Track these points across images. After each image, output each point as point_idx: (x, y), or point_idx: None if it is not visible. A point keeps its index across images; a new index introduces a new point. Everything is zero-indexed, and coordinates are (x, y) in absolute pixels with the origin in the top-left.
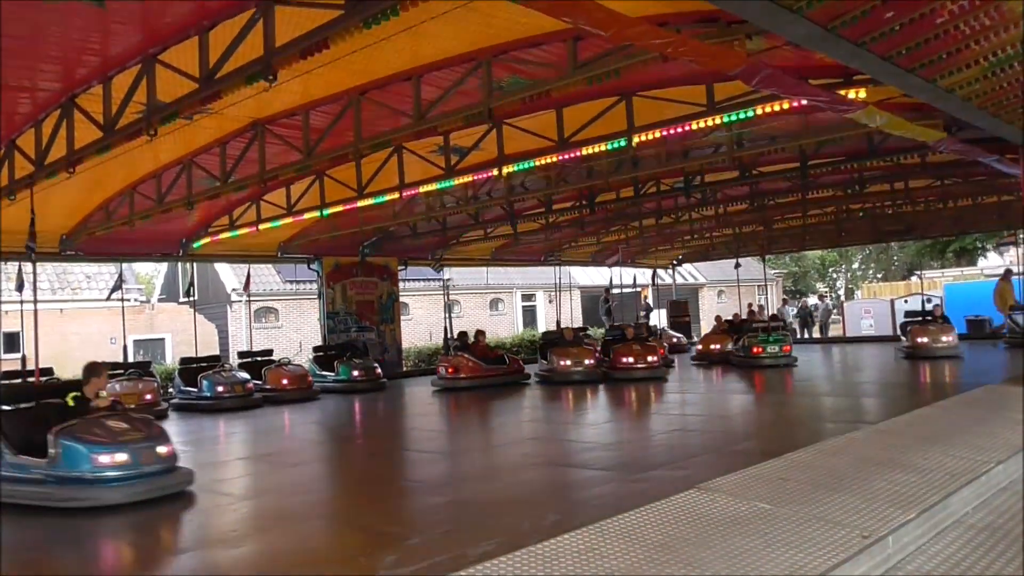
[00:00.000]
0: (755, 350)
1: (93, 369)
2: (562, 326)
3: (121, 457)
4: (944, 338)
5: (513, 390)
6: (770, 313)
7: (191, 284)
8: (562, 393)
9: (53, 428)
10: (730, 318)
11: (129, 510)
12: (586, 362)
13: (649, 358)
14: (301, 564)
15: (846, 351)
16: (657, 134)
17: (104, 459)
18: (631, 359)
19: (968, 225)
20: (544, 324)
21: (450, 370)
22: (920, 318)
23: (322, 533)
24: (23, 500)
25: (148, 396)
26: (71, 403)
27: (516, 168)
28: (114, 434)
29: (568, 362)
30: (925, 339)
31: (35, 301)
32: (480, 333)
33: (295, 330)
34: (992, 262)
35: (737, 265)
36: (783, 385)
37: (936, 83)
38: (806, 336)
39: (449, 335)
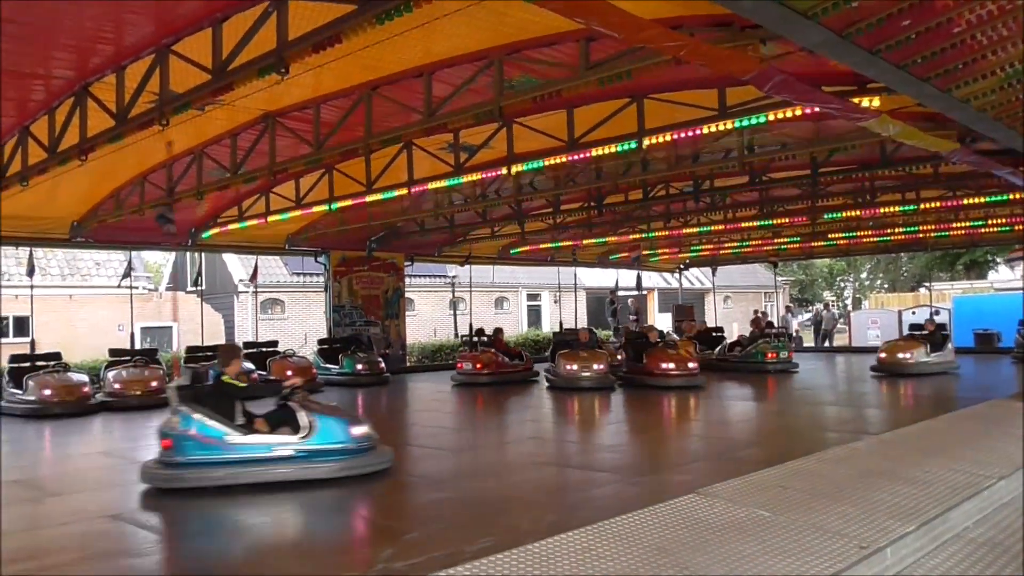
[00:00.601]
0: (769, 355)
1: (233, 351)
2: (577, 327)
3: (366, 430)
4: (903, 355)
5: (523, 388)
6: (766, 321)
7: (199, 274)
8: (573, 395)
9: (297, 404)
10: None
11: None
12: (595, 367)
13: (690, 364)
14: (300, 554)
15: (851, 360)
16: (668, 137)
17: (357, 431)
18: (671, 365)
19: (979, 237)
20: (549, 324)
21: (478, 365)
22: (918, 331)
23: (321, 524)
24: (267, 479)
25: (154, 384)
26: (240, 384)
27: (525, 167)
28: (339, 409)
29: (575, 367)
30: (883, 355)
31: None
32: (499, 330)
33: (301, 322)
34: (1003, 275)
35: (714, 272)
36: (784, 391)
37: (951, 93)
38: (815, 344)
39: (471, 331)
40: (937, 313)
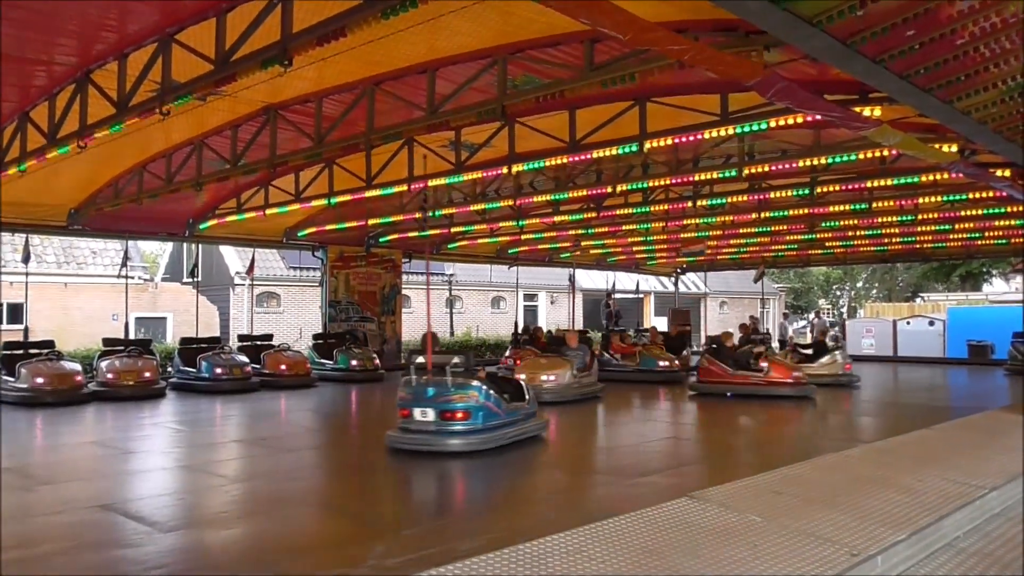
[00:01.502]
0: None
1: (433, 339)
2: (571, 328)
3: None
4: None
5: None
6: (753, 327)
7: (195, 265)
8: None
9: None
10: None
11: None
12: (545, 378)
13: (803, 373)
14: (290, 549)
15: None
16: (669, 141)
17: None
18: (798, 374)
19: (976, 249)
20: (545, 324)
21: (518, 361)
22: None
23: (313, 520)
24: (519, 437)
25: (147, 374)
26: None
27: (526, 167)
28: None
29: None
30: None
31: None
32: (538, 329)
33: (296, 316)
34: (998, 287)
35: (676, 282)
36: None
37: (952, 104)
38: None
39: (515, 329)
40: (932, 324)
